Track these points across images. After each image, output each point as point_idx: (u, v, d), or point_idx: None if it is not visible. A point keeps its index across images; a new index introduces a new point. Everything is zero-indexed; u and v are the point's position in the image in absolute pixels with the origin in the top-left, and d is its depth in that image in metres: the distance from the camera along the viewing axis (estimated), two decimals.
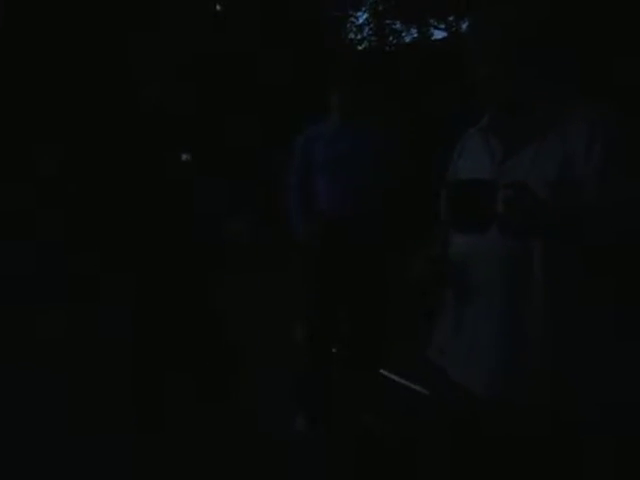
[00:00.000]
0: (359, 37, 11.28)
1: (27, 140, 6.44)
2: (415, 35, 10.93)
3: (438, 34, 10.90)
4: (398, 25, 10.98)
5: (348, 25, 11.15)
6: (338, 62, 2.81)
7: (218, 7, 10.16)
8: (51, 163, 5.91)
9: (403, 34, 11.05)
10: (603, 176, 1.22)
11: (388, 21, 10.97)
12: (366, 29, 11.23)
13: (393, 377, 3.35)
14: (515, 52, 1.31)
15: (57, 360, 3.63)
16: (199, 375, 2.85)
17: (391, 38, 11.12)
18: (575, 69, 1.48)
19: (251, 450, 2.64)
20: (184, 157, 1.97)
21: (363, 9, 10.99)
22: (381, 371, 3.12)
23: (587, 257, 1.27)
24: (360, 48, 11.06)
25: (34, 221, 6.28)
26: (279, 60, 7.46)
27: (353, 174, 2.76)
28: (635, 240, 1.23)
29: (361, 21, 11.21)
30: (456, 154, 1.56)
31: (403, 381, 3.31)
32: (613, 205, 1.22)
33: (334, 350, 3.01)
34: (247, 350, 3.32)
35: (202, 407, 2.80)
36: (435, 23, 10.64)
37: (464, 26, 9.88)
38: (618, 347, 1.30)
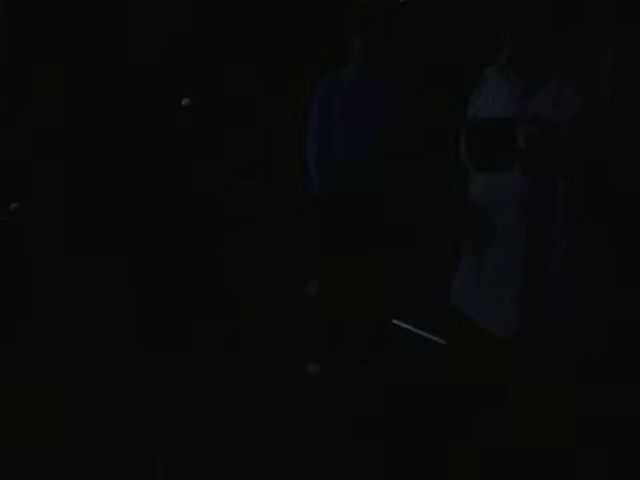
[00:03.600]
0: None
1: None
2: None
3: None
4: None
5: None
6: (357, 8, 2.70)
7: None
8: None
9: None
10: (631, 107, 1.17)
11: None
12: None
13: (408, 327, 3.37)
14: None
15: None
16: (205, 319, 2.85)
17: None
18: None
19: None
20: (184, 102, 1.88)
21: None
22: (395, 321, 3.12)
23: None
24: None
25: None
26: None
27: (371, 123, 2.71)
28: None
29: None
30: (475, 93, 1.51)
31: (418, 330, 3.33)
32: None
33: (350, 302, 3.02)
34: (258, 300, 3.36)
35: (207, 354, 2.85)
36: None
37: None
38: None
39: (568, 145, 1.14)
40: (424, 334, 3.26)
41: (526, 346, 1.35)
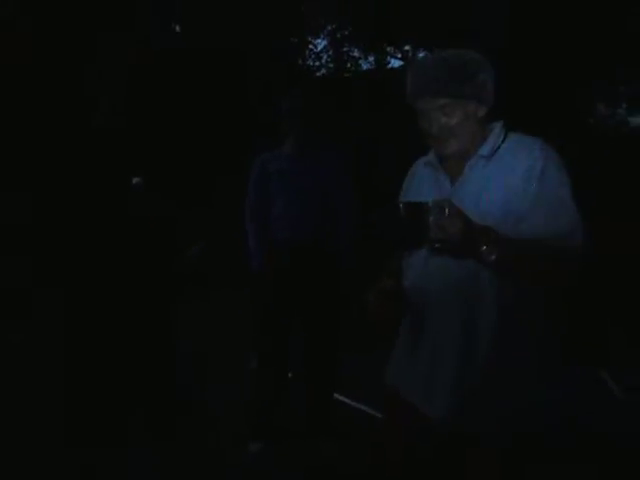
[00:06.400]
0: (317, 64, 11.45)
1: None
2: (372, 63, 11.20)
3: (395, 62, 11.20)
4: (356, 53, 11.23)
5: (307, 52, 11.33)
6: (290, 94, 2.85)
7: (177, 28, 10.29)
8: None
9: (360, 61, 11.30)
10: (536, 211, 1.30)
11: (346, 48, 11.20)
12: (325, 56, 11.43)
13: (348, 401, 3.36)
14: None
15: None
16: (146, 409, 2.83)
17: (349, 65, 11.34)
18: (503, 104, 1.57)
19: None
20: (135, 180, 1.96)
21: (322, 36, 11.20)
22: (335, 395, 3.12)
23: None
24: (318, 74, 11.24)
25: None
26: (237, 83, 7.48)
27: (308, 200, 2.80)
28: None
29: (320, 48, 11.41)
30: (406, 184, 1.61)
31: (358, 405, 3.33)
32: (543, 238, 1.28)
33: (289, 375, 3.02)
34: (200, 373, 3.32)
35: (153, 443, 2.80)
36: (392, 52, 10.94)
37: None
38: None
39: (472, 227, 1.25)
40: (364, 408, 3.26)
41: (459, 427, 1.40)
